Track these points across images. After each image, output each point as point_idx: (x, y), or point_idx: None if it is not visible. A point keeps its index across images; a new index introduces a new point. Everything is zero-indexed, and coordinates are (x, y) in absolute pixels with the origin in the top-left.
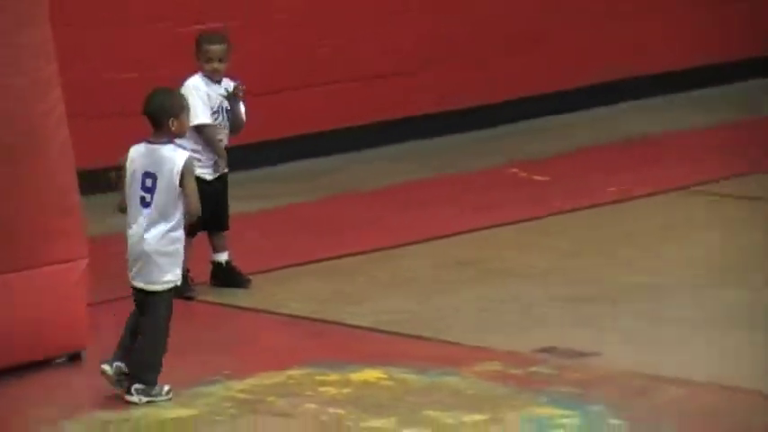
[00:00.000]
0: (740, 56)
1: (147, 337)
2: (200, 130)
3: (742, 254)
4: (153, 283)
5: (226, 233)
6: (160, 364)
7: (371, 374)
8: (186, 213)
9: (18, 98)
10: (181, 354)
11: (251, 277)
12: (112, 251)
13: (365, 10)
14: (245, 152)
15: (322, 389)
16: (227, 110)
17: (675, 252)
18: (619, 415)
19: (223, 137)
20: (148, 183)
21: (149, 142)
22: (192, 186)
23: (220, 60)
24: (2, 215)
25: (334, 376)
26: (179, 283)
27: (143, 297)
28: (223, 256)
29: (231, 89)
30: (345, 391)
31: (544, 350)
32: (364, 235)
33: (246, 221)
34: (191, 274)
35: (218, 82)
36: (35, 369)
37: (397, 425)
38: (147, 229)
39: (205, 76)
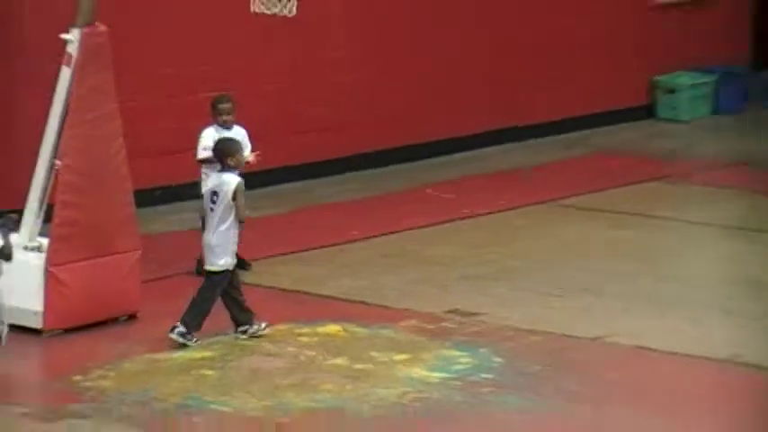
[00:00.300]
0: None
1: (198, 298)
2: (205, 161)
3: (588, 246)
4: (211, 264)
5: None
6: (201, 320)
7: (333, 328)
8: (236, 217)
9: (100, 145)
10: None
11: (252, 262)
12: (153, 247)
13: (324, 85)
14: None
15: (299, 338)
16: None
17: (542, 244)
18: (498, 354)
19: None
20: (214, 198)
21: (218, 171)
22: (241, 200)
23: (228, 114)
24: (88, 221)
25: (307, 329)
26: (231, 268)
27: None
28: None
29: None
30: (315, 339)
31: (450, 311)
32: (327, 234)
33: (250, 224)
34: None
35: (228, 129)
36: (106, 324)
37: (350, 362)
38: (211, 229)
39: (218, 125)
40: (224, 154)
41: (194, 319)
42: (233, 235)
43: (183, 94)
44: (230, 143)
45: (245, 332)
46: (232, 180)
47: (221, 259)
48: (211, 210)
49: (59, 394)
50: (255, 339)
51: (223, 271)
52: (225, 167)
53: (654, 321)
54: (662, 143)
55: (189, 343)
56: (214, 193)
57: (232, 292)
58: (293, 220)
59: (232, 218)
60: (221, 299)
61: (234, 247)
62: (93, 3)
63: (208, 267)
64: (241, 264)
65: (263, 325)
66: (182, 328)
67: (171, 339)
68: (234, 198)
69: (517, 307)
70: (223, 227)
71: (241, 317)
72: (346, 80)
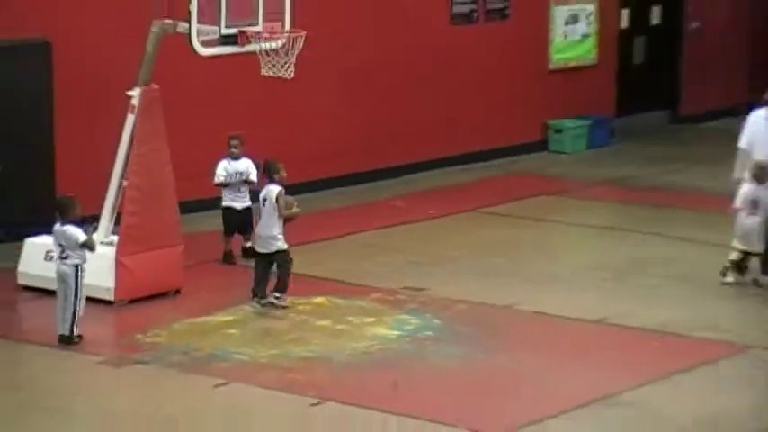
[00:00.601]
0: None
1: (282, 272)
2: (222, 185)
3: (503, 241)
4: (264, 249)
5: (250, 233)
6: (288, 285)
7: (321, 300)
8: (279, 216)
9: (154, 170)
10: (228, 290)
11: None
12: (191, 242)
13: (311, 130)
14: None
15: (297, 306)
16: (239, 173)
17: (470, 240)
18: (438, 318)
19: (244, 189)
20: (264, 203)
21: (266, 183)
22: (282, 202)
23: (236, 148)
24: (146, 224)
25: (303, 300)
26: (285, 248)
27: (265, 257)
28: (248, 243)
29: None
30: (308, 307)
31: (404, 288)
32: (316, 233)
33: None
34: (233, 251)
35: (237, 159)
36: (159, 297)
37: (333, 324)
38: (261, 224)
39: (230, 157)
40: (271, 171)
41: (285, 288)
42: (278, 228)
43: (211, 134)
44: (275, 164)
45: (264, 301)
46: (275, 189)
47: (273, 246)
48: (262, 211)
49: (126, 347)
50: (267, 307)
51: (281, 251)
52: (271, 180)
53: (549, 294)
54: (553, 168)
55: (281, 303)
56: (264, 199)
57: (269, 270)
58: (296, 222)
59: (276, 215)
60: (258, 270)
61: (281, 236)
62: (150, 69)
63: (259, 250)
64: (253, 254)
65: (287, 299)
66: (277, 294)
67: (272, 304)
68: (276, 201)
69: (452, 284)
70: (269, 222)
71: (260, 290)
72: (327, 126)
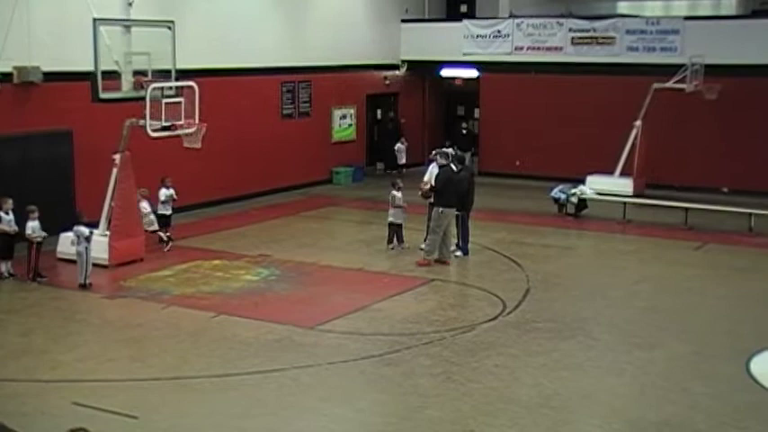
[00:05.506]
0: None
1: (398, 233)
2: (161, 202)
3: (310, 230)
4: (394, 219)
5: (169, 227)
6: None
7: (217, 262)
8: (396, 207)
9: (127, 195)
10: (166, 258)
11: (189, 239)
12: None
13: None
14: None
15: (203, 266)
16: (169, 195)
17: (292, 229)
18: (279, 270)
19: (170, 204)
20: (391, 200)
21: (395, 191)
22: (400, 202)
23: (167, 182)
24: (123, 225)
25: (206, 263)
26: (395, 222)
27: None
28: (168, 234)
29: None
30: (210, 266)
31: (260, 254)
32: (214, 226)
33: (201, 221)
34: (168, 237)
35: (168, 188)
36: (132, 262)
37: (223, 273)
38: (390, 210)
39: (164, 187)
40: (396, 184)
41: (397, 240)
42: (395, 212)
43: (155, 176)
44: (397, 181)
45: (395, 246)
46: (396, 193)
47: (397, 221)
48: (391, 203)
49: (114, 289)
50: (188, 265)
51: (397, 224)
52: (396, 189)
53: (332, 255)
54: (335, 192)
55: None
56: (393, 198)
57: (398, 231)
58: (210, 221)
59: (396, 207)
60: (392, 232)
61: (398, 217)
62: (125, 144)
63: (394, 221)
64: (169, 239)
65: (404, 244)
66: (403, 245)
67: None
68: (395, 201)
69: (284, 252)
70: (393, 211)
71: (394, 239)
72: (214, 171)
